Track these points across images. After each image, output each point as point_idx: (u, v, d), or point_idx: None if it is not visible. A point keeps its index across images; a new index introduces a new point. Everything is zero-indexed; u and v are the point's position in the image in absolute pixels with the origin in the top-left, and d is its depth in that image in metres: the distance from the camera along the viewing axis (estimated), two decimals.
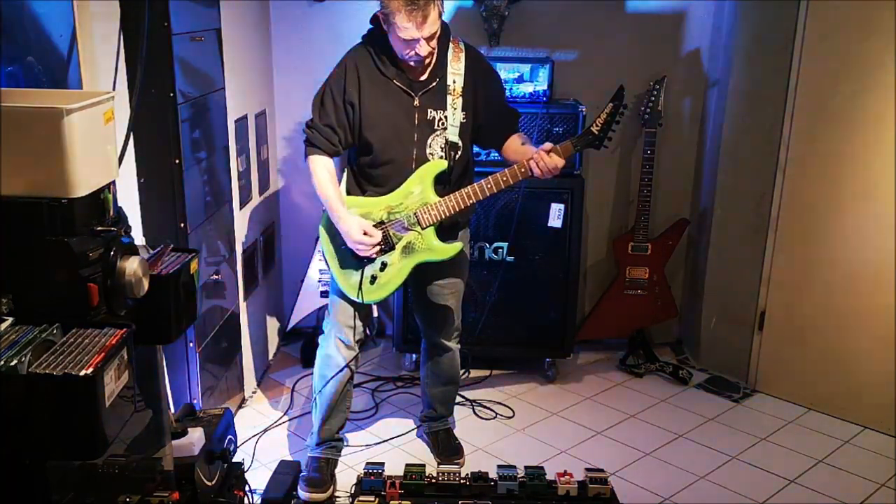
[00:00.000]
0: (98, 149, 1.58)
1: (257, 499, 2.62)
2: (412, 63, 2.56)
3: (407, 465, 2.82)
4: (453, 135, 2.64)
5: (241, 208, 3.35)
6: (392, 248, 2.67)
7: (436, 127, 2.65)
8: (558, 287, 3.63)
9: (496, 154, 2.85)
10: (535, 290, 3.65)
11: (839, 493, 2.94)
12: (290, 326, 3.83)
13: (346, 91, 2.61)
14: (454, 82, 2.63)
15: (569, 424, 3.42)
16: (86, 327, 1.53)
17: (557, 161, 2.52)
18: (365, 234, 2.61)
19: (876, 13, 3.12)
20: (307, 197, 3.99)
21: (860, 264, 3.32)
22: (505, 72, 3.53)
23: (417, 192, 2.64)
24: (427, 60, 2.57)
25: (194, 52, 2.76)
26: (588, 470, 2.84)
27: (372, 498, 2.63)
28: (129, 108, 2.37)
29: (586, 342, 4.03)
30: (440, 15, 2.49)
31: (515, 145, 2.71)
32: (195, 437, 2.26)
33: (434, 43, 2.53)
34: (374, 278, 2.69)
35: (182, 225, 2.68)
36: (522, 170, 2.56)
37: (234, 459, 2.53)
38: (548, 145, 2.54)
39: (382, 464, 2.81)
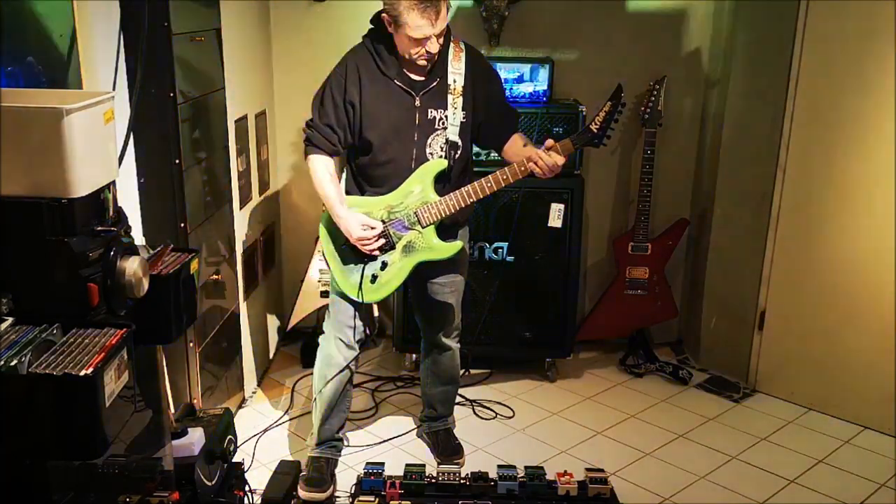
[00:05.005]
0: (98, 149, 1.58)
1: (257, 499, 2.62)
2: (422, 62, 2.55)
3: (407, 465, 2.82)
4: (453, 134, 2.64)
5: (241, 208, 3.35)
6: (392, 247, 2.67)
7: (436, 126, 2.65)
8: (558, 287, 3.63)
9: (497, 154, 2.85)
10: (535, 290, 3.65)
11: (839, 493, 2.94)
12: (290, 326, 3.83)
13: (346, 91, 2.61)
14: (454, 82, 2.63)
15: (569, 424, 3.42)
16: (86, 327, 1.53)
17: (557, 159, 2.53)
18: (364, 227, 2.61)
19: (876, 14, 3.12)
20: (307, 197, 3.99)
21: (860, 264, 3.32)
22: (505, 72, 3.53)
23: (417, 191, 2.64)
24: (435, 58, 2.57)
25: (194, 52, 2.76)
26: (588, 470, 2.84)
27: (372, 498, 2.64)
28: (129, 108, 2.37)
29: (586, 342, 4.03)
30: (448, 10, 2.49)
31: (517, 147, 2.71)
32: (195, 437, 2.26)
33: (442, 40, 2.53)
34: (374, 278, 2.70)
35: (182, 225, 2.68)
36: (522, 168, 2.56)
37: (234, 459, 2.53)
38: (549, 142, 2.54)
39: (382, 464, 2.82)
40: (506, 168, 2.58)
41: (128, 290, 1.63)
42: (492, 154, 3.40)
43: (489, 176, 2.59)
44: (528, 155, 2.56)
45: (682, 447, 3.25)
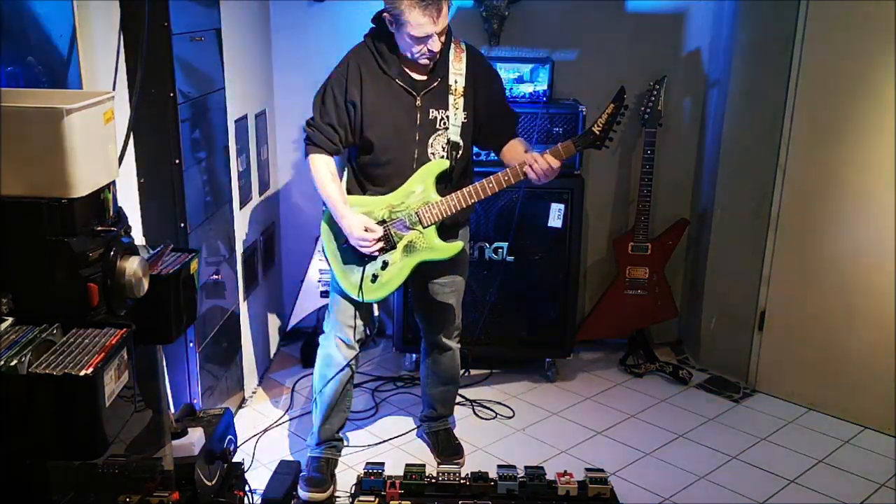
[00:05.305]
0: (98, 149, 1.58)
1: (257, 499, 2.62)
2: (424, 61, 2.55)
3: (407, 465, 2.82)
4: (455, 135, 2.64)
5: (241, 208, 3.35)
6: (393, 246, 2.67)
7: (437, 127, 2.65)
8: (558, 287, 3.63)
9: (495, 155, 2.85)
10: (535, 290, 3.65)
11: (839, 493, 2.94)
12: (290, 326, 3.83)
13: (347, 90, 2.61)
14: (456, 82, 2.63)
15: (569, 424, 3.42)
16: (86, 327, 1.53)
17: (552, 162, 2.52)
18: (366, 230, 2.61)
19: (876, 13, 3.12)
20: (307, 197, 3.99)
21: (860, 264, 3.32)
22: (505, 72, 3.52)
23: (419, 191, 2.64)
24: (437, 57, 2.57)
25: (194, 52, 2.76)
26: (588, 470, 2.84)
27: (372, 498, 2.64)
28: (129, 108, 2.37)
29: (586, 342, 4.03)
30: (449, 8, 2.49)
31: (516, 151, 2.71)
32: (195, 437, 2.26)
33: (443, 38, 2.53)
34: (375, 277, 2.70)
35: (182, 225, 2.68)
36: (520, 171, 2.57)
37: (234, 459, 2.53)
38: (559, 145, 2.55)
39: (382, 464, 2.82)
40: (507, 169, 2.59)
41: (128, 290, 1.63)
42: (492, 154, 3.40)
43: (491, 177, 2.59)
44: (524, 158, 2.57)
45: (682, 447, 3.25)
